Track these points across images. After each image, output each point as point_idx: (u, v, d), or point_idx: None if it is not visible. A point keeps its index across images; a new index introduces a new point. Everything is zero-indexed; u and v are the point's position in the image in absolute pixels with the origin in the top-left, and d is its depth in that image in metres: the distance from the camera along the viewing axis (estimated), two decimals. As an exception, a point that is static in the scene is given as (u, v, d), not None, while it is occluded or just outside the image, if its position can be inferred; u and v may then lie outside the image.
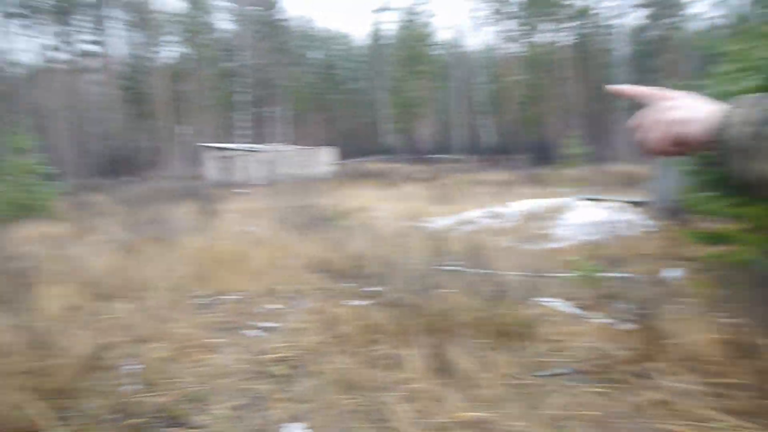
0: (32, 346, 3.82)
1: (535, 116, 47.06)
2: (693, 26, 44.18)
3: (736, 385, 3.16)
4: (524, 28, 49.25)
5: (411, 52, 54.29)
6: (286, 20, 54.94)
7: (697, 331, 3.72)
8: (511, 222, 11.12)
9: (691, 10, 52.20)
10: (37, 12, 49.62)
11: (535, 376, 3.69)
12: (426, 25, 56.52)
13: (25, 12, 49.91)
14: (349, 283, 6.14)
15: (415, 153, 48.44)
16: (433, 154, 48.16)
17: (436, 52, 57.75)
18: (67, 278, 6.37)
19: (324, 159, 33.22)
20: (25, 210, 14.44)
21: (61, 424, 3.11)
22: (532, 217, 11.33)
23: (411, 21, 56.25)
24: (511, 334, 4.22)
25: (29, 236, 10.39)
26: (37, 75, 51.31)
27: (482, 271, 5.30)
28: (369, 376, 3.72)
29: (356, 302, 5.27)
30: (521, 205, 12.71)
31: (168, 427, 3.24)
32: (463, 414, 3.19)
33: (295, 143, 43.32)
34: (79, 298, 5.67)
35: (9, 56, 51.80)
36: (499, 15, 50.76)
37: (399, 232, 9.42)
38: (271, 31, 50.30)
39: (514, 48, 50.63)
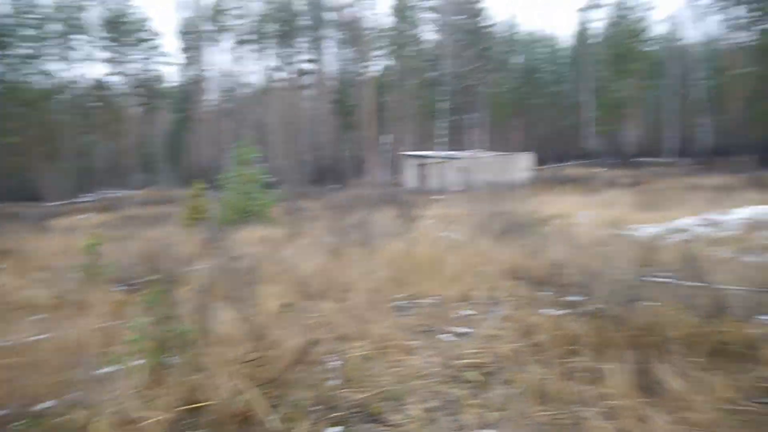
0: (250, 338, 4.22)
1: (766, 113, 41.69)
2: None
3: None
4: (755, 14, 43.71)
5: (620, 49, 51.22)
6: (490, 26, 54.90)
7: None
8: (731, 231, 10.02)
9: None
10: (263, 37, 55.19)
11: (759, 402, 3.27)
12: (640, 19, 52.97)
13: (253, 38, 55.84)
14: (546, 291, 5.96)
15: (620, 156, 45.88)
16: (640, 157, 45.22)
17: (648, 48, 53.92)
18: (281, 278, 6.97)
19: (521, 165, 32.67)
20: (247, 215, 16.10)
21: (271, 410, 3.39)
22: (758, 225, 10.11)
23: (623, 16, 53.10)
24: (729, 354, 3.80)
25: (250, 238, 11.55)
26: (260, 93, 57.15)
27: (696, 283, 4.81)
28: (565, 388, 3.57)
29: (553, 311, 5.08)
30: (745, 212, 11.41)
31: (366, 422, 3.39)
32: (672, 438, 2.93)
33: (493, 149, 43.17)
34: (290, 296, 6.16)
35: (239, 78, 58.37)
36: (725, 1, 45.76)
37: (601, 239, 8.94)
38: (474, 38, 50.60)
39: (741, 37, 45.36)
